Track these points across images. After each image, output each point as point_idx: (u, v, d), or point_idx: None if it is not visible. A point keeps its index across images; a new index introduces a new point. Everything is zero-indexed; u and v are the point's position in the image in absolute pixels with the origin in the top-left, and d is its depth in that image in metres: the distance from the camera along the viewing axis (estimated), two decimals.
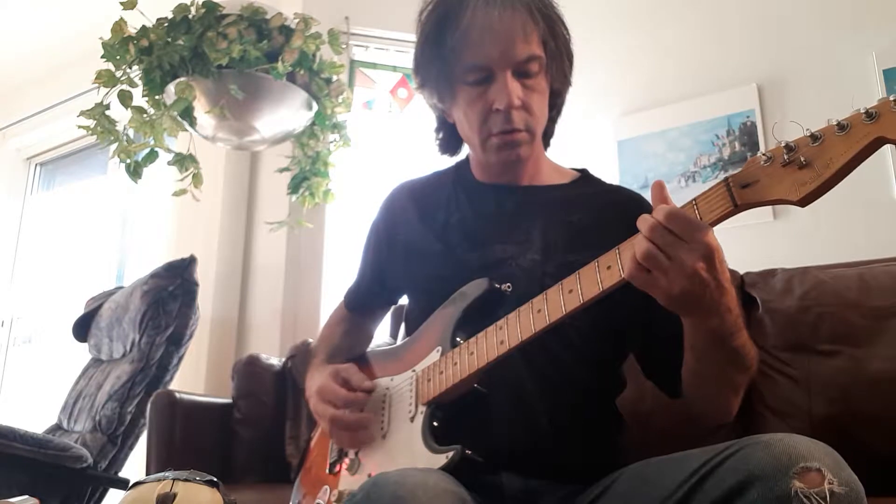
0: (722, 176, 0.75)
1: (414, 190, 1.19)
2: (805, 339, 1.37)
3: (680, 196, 2.46)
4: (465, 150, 1.19)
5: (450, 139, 1.17)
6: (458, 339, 0.97)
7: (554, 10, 1.04)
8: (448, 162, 1.21)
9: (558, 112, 1.13)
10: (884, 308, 1.33)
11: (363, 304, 1.27)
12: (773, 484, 0.63)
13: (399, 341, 1.19)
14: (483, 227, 1.07)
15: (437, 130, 1.18)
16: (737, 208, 0.73)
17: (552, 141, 1.17)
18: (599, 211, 1.05)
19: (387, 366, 1.09)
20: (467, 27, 0.98)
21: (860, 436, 1.25)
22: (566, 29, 1.06)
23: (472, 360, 0.92)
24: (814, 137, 0.68)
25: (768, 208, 2.11)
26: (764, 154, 0.72)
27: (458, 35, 0.98)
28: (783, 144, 0.70)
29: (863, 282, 1.38)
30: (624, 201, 1.09)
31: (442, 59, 1.01)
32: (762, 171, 0.72)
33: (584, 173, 1.17)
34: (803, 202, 0.69)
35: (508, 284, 0.98)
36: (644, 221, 0.76)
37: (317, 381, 1.09)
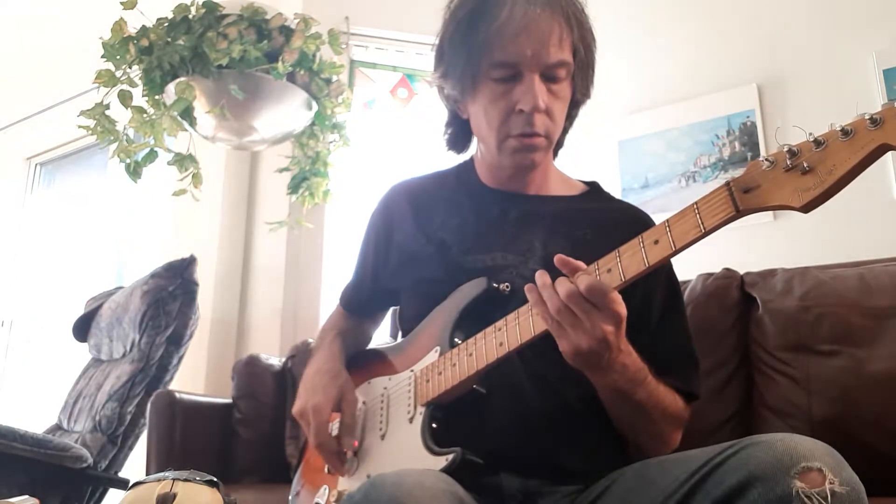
0: (722, 176, 0.75)
1: (412, 190, 1.18)
2: (805, 339, 1.37)
3: (680, 196, 2.46)
4: (471, 151, 1.18)
5: (459, 135, 1.15)
6: (456, 339, 0.96)
7: (587, 20, 1.02)
8: (444, 165, 1.20)
9: (571, 123, 1.11)
10: (884, 308, 1.32)
11: (361, 305, 1.27)
12: (774, 484, 0.63)
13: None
14: (485, 232, 1.06)
15: (448, 125, 1.15)
16: (739, 213, 0.72)
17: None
18: (605, 227, 1.03)
19: (385, 365, 1.09)
20: (504, 22, 0.96)
21: (860, 436, 1.25)
22: (594, 40, 1.04)
23: (472, 362, 0.91)
24: (817, 143, 0.67)
25: None
26: (766, 158, 0.71)
27: (492, 29, 0.96)
28: (786, 149, 0.69)
29: (863, 282, 1.38)
30: (630, 220, 1.07)
31: (471, 50, 0.99)
32: (764, 176, 0.71)
33: (592, 186, 1.15)
34: (806, 209, 0.68)
35: (507, 284, 0.98)
36: (562, 286, 0.80)
37: (318, 391, 1.06)
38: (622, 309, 0.80)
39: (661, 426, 0.96)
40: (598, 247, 0.84)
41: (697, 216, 0.75)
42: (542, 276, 0.82)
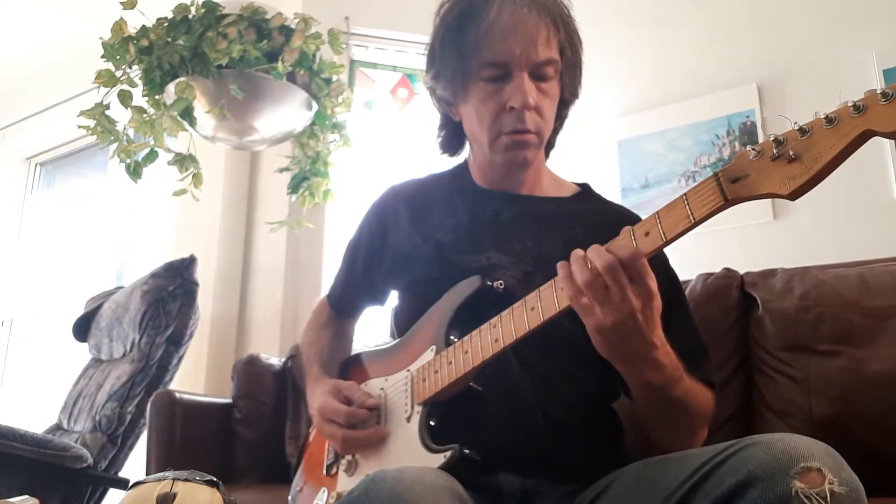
0: None
1: (407, 193, 1.18)
2: (805, 339, 1.37)
3: None
4: (465, 153, 1.19)
5: (452, 138, 1.17)
6: (451, 337, 0.97)
7: (573, 22, 1.05)
8: (443, 166, 1.20)
9: (561, 124, 1.13)
10: (884, 308, 1.32)
11: (351, 305, 1.27)
12: (774, 484, 0.63)
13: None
14: (478, 232, 1.07)
15: (441, 128, 1.17)
16: (727, 203, 0.73)
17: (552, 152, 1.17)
18: (597, 228, 1.02)
19: (381, 366, 1.09)
20: (492, 23, 0.98)
21: (860, 436, 1.25)
22: (581, 42, 1.06)
23: (467, 359, 0.91)
24: (802, 131, 0.68)
25: (768, 208, 2.11)
26: (753, 148, 0.72)
27: (481, 30, 0.99)
28: (772, 138, 0.70)
29: (863, 282, 1.38)
30: (621, 221, 1.07)
31: (461, 52, 1.01)
32: (751, 166, 0.72)
33: (584, 188, 1.16)
34: (793, 196, 0.69)
35: (501, 282, 0.98)
36: (599, 256, 0.77)
37: (318, 398, 1.08)
38: (654, 284, 0.78)
39: (695, 421, 0.95)
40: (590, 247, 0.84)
41: (687, 207, 0.75)
42: (575, 252, 0.81)
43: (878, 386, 1.27)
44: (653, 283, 0.77)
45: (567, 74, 1.05)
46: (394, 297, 1.21)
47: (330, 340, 1.24)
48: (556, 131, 1.12)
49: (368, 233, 1.20)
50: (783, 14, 2.27)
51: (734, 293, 1.50)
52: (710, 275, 1.55)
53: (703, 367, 0.99)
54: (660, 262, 1.04)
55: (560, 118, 1.11)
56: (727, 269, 1.56)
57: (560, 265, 0.81)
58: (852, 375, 1.30)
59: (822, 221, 2.02)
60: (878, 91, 0.63)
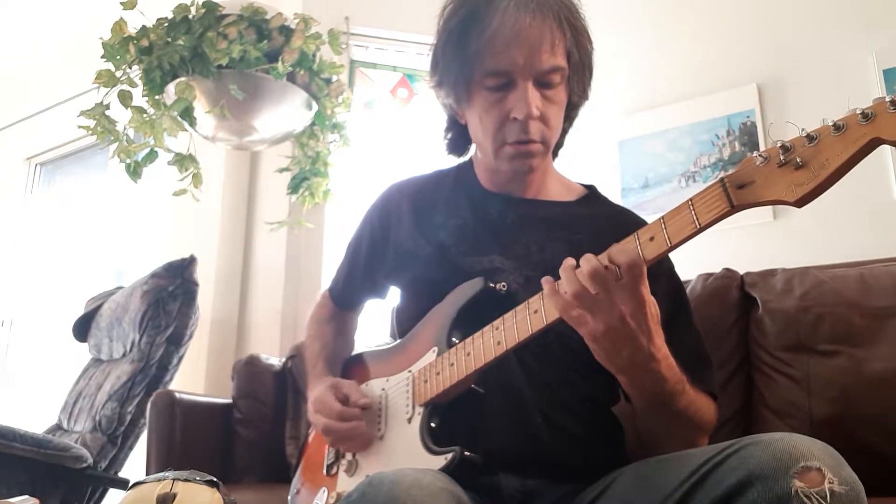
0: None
1: (412, 190, 1.17)
2: (805, 339, 1.37)
3: (680, 197, 2.47)
4: (471, 152, 1.18)
5: (459, 140, 1.15)
6: (453, 339, 0.97)
7: (581, 22, 1.01)
8: (448, 162, 1.20)
9: (571, 124, 1.11)
10: (884, 308, 1.32)
11: (353, 299, 1.27)
12: (774, 483, 0.63)
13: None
14: (482, 235, 1.06)
15: (447, 130, 1.15)
16: (733, 209, 0.73)
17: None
18: (602, 233, 1.01)
19: (382, 366, 1.09)
20: (495, 31, 0.95)
21: (860, 436, 1.25)
22: (591, 42, 1.03)
23: (469, 361, 0.91)
24: (810, 138, 0.68)
25: (768, 208, 2.11)
26: (760, 154, 0.71)
27: (483, 38, 0.96)
28: (779, 145, 0.70)
29: (863, 282, 1.38)
30: (627, 225, 1.06)
31: (463, 60, 0.98)
32: (758, 172, 0.71)
33: (591, 191, 1.15)
34: (800, 203, 0.69)
35: (503, 284, 0.98)
36: (589, 262, 0.77)
37: (317, 391, 1.08)
38: (647, 290, 0.77)
39: (695, 433, 0.93)
40: (594, 251, 0.83)
41: (692, 212, 0.75)
42: (566, 262, 0.80)
43: (878, 386, 1.27)
44: (646, 289, 0.77)
45: (575, 79, 1.02)
46: (395, 292, 1.20)
47: (334, 336, 1.24)
48: (565, 131, 1.11)
49: (371, 229, 1.19)
50: (783, 14, 2.27)
51: (734, 293, 1.50)
52: (710, 275, 1.56)
53: (706, 377, 0.98)
54: (665, 269, 1.04)
55: (569, 119, 1.09)
56: (727, 270, 1.56)
57: (545, 281, 0.81)
58: (852, 375, 1.30)
59: (822, 222, 2.02)
60: (888, 99, 0.63)
